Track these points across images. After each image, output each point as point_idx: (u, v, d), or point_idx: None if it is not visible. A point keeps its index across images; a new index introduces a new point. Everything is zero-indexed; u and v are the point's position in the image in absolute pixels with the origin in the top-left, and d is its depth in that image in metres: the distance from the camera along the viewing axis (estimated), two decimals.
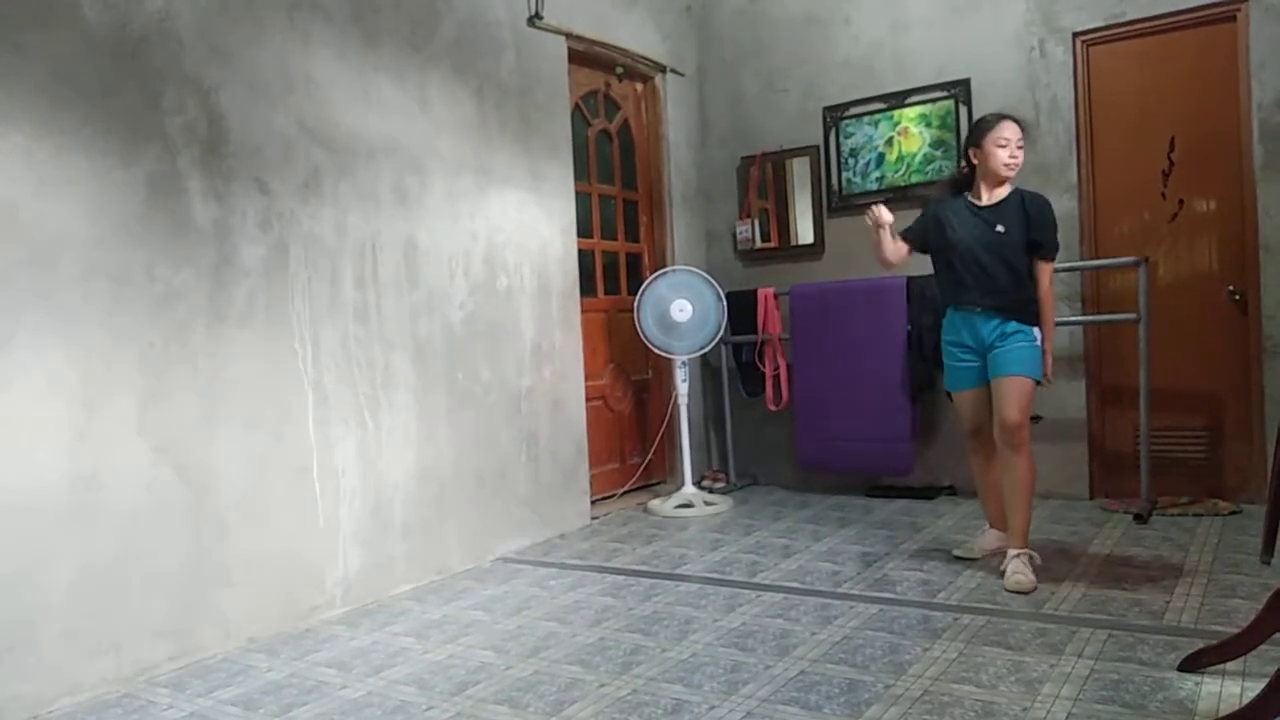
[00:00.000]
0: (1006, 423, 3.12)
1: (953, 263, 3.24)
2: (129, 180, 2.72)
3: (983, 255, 3.16)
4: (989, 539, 3.45)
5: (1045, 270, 3.19)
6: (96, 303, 2.63)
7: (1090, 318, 4.32)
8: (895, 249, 3.32)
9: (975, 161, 3.23)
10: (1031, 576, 3.06)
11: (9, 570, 2.43)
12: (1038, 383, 3.17)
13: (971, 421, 3.35)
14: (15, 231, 2.47)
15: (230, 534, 2.93)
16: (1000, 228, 3.15)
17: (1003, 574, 3.12)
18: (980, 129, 3.23)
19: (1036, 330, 3.17)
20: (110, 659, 2.62)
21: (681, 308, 4.62)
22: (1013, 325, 3.14)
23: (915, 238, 3.35)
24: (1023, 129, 3.21)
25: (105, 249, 2.66)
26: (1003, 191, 3.22)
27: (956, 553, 3.50)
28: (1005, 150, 3.15)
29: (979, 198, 3.24)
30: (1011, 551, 3.14)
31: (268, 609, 3.03)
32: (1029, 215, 3.15)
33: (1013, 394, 3.11)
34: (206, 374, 2.89)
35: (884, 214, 3.26)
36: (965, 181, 3.31)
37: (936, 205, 3.35)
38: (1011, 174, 3.19)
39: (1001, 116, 3.22)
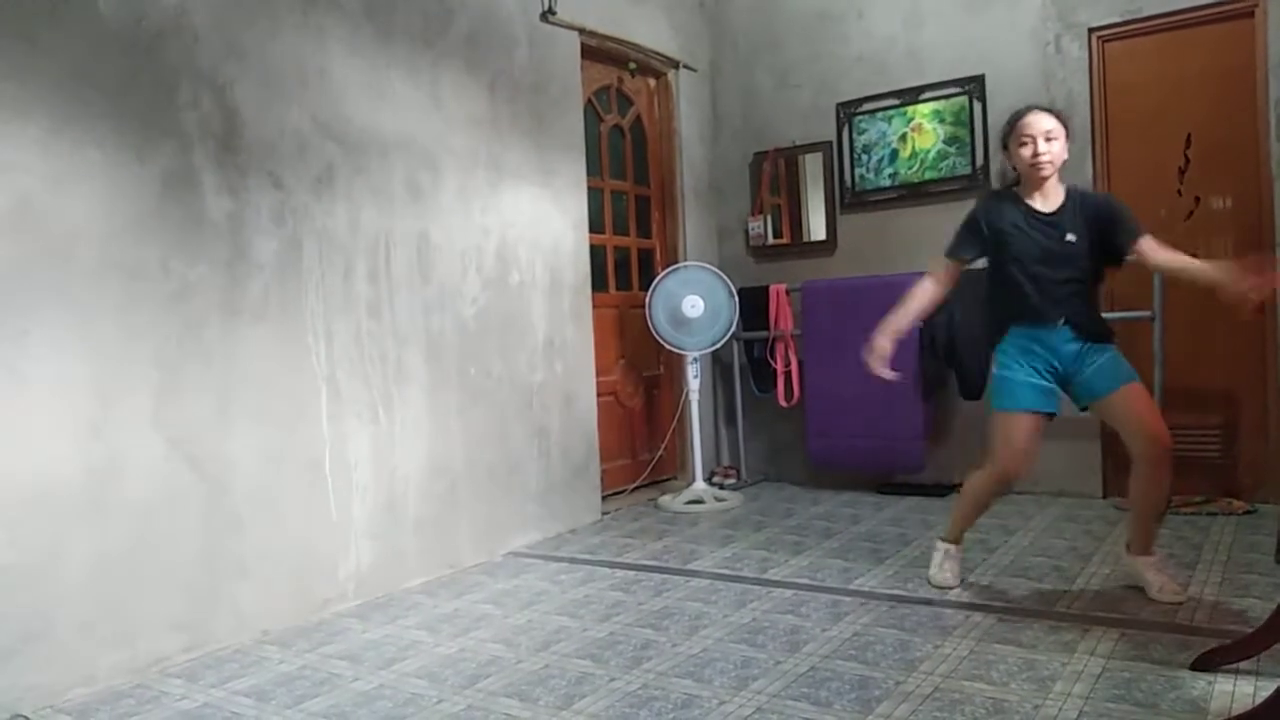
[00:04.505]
0: (1163, 437, 2.75)
1: (1016, 276, 2.88)
2: (144, 175, 2.73)
3: (1053, 268, 2.84)
4: (954, 563, 3.18)
5: (1148, 244, 2.80)
6: (111, 297, 2.65)
7: (1104, 315, 4.28)
8: (928, 291, 3.01)
9: (1014, 166, 2.95)
10: (1177, 584, 2.88)
11: (25, 562, 2.45)
12: None
13: (1024, 451, 2.90)
14: (31, 225, 2.48)
15: (244, 527, 2.95)
16: (1071, 236, 2.83)
17: (1143, 587, 2.91)
18: (1006, 129, 2.95)
19: (1112, 345, 2.90)
20: (124, 650, 2.64)
21: (693, 304, 4.62)
22: (1097, 346, 2.86)
23: (973, 252, 3.00)
24: (1058, 116, 2.89)
25: (120, 243, 2.67)
26: (1059, 195, 2.90)
27: (935, 582, 3.14)
28: (1028, 148, 2.85)
29: (1036, 203, 2.91)
30: (1149, 560, 2.92)
31: (281, 601, 3.05)
32: (1097, 216, 2.84)
33: (1150, 401, 2.83)
34: (220, 368, 2.90)
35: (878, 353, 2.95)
36: (1013, 186, 3.00)
37: (988, 214, 2.96)
38: (1045, 172, 2.86)
39: (1026, 110, 2.93)
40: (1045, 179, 2.89)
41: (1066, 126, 2.92)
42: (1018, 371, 2.90)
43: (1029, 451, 2.91)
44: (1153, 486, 2.83)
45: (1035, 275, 2.87)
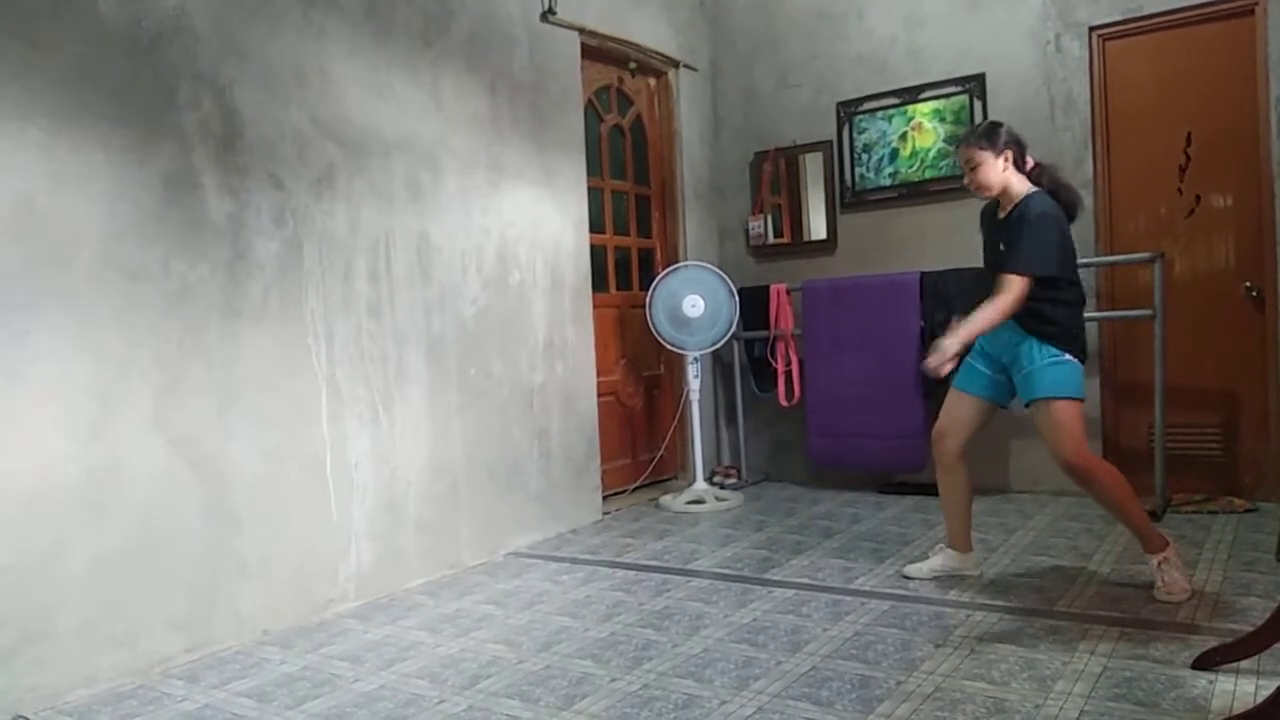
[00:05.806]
0: (1059, 461, 2.82)
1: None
2: (145, 176, 2.73)
3: (991, 273, 2.92)
4: (938, 559, 3.21)
5: (1003, 283, 2.78)
6: (112, 298, 2.65)
7: (1105, 314, 4.29)
8: None
9: None
10: (1185, 584, 2.83)
11: (27, 562, 2.45)
12: (1080, 399, 2.82)
13: (942, 422, 3.08)
14: (33, 227, 2.48)
15: (244, 527, 2.95)
16: (1003, 245, 2.90)
17: (1151, 586, 2.89)
18: None
19: (1064, 353, 2.81)
20: (125, 651, 2.65)
21: (694, 303, 4.62)
22: (1032, 344, 2.83)
23: None
24: (974, 140, 2.90)
25: (121, 244, 2.67)
26: (1012, 202, 2.92)
27: (905, 571, 3.24)
28: (965, 177, 2.99)
29: (1001, 210, 2.99)
30: (1153, 560, 2.87)
31: (281, 602, 3.05)
32: (1014, 227, 2.84)
33: (1052, 425, 2.79)
34: (221, 369, 2.90)
35: (945, 356, 2.82)
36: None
37: (986, 219, 3.11)
38: (983, 195, 2.97)
39: (958, 142, 3.01)
40: (989, 199, 3.01)
41: (996, 143, 2.88)
42: (968, 357, 3.05)
43: (948, 420, 3.07)
44: (1092, 494, 2.93)
45: (987, 278, 2.99)
